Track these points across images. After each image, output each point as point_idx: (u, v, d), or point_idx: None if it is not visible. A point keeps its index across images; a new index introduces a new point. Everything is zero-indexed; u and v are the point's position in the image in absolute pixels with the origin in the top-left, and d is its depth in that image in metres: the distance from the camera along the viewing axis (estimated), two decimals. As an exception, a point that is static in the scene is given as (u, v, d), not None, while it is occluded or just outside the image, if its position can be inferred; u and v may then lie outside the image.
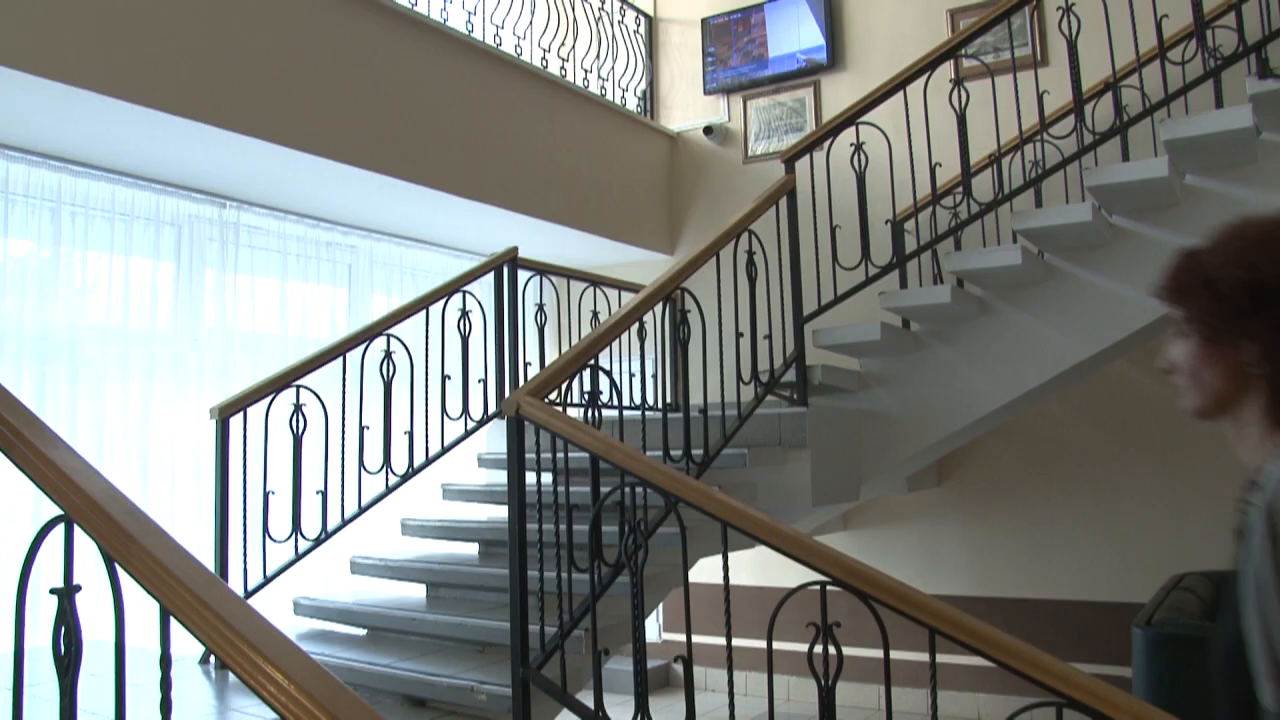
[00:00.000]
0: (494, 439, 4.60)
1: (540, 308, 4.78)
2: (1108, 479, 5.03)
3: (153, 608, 1.50)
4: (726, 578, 2.45)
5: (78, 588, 1.56)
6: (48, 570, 1.63)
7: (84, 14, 3.34)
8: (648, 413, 3.58)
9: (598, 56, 5.95)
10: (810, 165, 4.03)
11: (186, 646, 1.78)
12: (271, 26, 3.96)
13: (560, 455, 2.76)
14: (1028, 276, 3.78)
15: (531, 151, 5.22)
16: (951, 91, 3.82)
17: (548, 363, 5.00)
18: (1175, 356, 1.28)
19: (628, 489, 2.62)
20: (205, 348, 4.61)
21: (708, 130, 6.21)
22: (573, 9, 5.66)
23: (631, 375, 4.70)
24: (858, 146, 3.93)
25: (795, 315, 3.96)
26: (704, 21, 6.27)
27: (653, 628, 6.15)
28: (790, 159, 4.05)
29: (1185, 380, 1.27)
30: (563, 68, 5.55)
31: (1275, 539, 1.10)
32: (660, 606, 5.81)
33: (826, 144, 4.02)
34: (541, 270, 4.78)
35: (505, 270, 4.57)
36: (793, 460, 3.81)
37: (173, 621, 1.49)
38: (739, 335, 3.73)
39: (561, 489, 2.81)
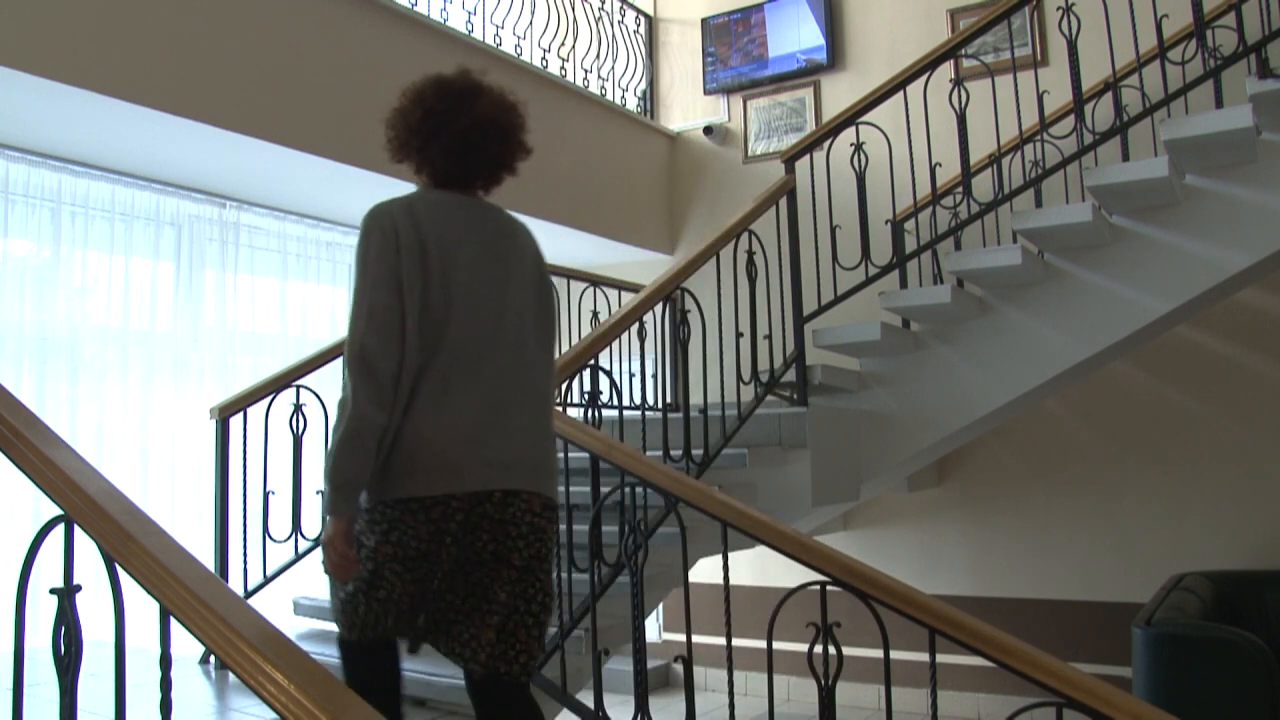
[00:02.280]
0: (494, 439, 4.59)
1: (540, 308, 4.77)
2: (1108, 479, 5.03)
3: (153, 608, 1.51)
4: (726, 578, 2.46)
5: (78, 588, 1.56)
6: (48, 570, 1.63)
7: (84, 14, 3.34)
8: (648, 413, 3.58)
9: (598, 56, 5.95)
10: (810, 165, 4.03)
11: (186, 646, 1.78)
12: (271, 26, 3.96)
13: (560, 455, 2.76)
14: (1028, 276, 3.78)
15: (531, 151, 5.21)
16: (951, 91, 3.82)
17: (548, 363, 4.99)
18: None
19: (628, 489, 2.62)
20: (205, 348, 4.61)
21: (708, 130, 6.21)
22: (573, 9, 5.66)
23: (631, 375, 4.70)
24: (858, 146, 3.93)
25: (795, 315, 3.96)
26: (704, 21, 6.27)
27: (653, 628, 6.15)
28: (790, 159, 4.05)
29: None
30: (563, 68, 5.55)
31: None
32: (660, 606, 5.81)
33: (826, 144, 4.02)
34: (541, 270, 4.78)
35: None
36: (793, 460, 3.81)
37: (173, 621, 1.49)
38: (739, 335, 3.73)
39: (561, 489, 2.81)
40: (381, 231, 1.91)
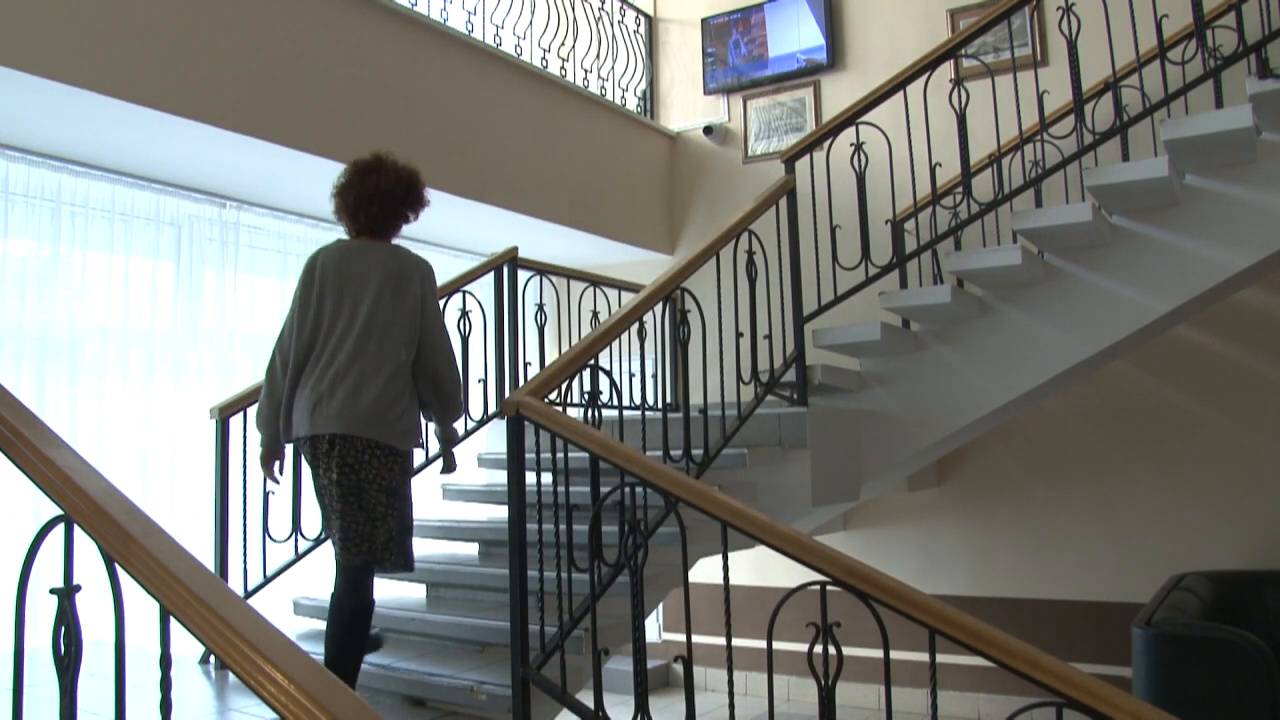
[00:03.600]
0: (494, 439, 4.60)
1: (540, 308, 4.78)
2: (1108, 479, 5.03)
3: (153, 608, 1.51)
4: (726, 578, 2.45)
5: (78, 588, 1.56)
6: (48, 570, 1.63)
7: (83, 14, 3.34)
8: (648, 413, 3.58)
9: (598, 56, 5.95)
10: (810, 165, 4.03)
11: (186, 646, 1.78)
12: (271, 26, 3.96)
13: (560, 455, 2.76)
14: (1028, 276, 3.78)
15: (531, 151, 5.22)
16: (951, 91, 3.82)
17: (548, 363, 4.99)
18: None
19: (628, 489, 2.62)
20: (205, 347, 4.61)
21: (708, 130, 6.21)
22: (573, 9, 5.66)
23: (631, 375, 4.70)
24: (858, 146, 3.93)
25: (795, 315, 3.96)
26: (704, 21, 6.27)
27: (653, 628, 6.15)
28: (790, 159, 4.05)
29: None
30: (563, 68, 5.55)
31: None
32: (660, 606, 5.81)
33: (826, 144, 4.02)
34: (541, 270, 4.78)
35: (505, 270, 4.57)
36: (793, 460, 3.81)
37: (173, 621, 1.49)
38: (739, 335, 3.73)
39: (561, 489, 2.81)
40: (302, 273, 3.01)
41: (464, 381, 3.28)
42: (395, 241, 3.08)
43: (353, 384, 2.77)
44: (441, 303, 4.30)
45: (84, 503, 1.55)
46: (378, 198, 2.95)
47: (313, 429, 2.78)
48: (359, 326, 2.83)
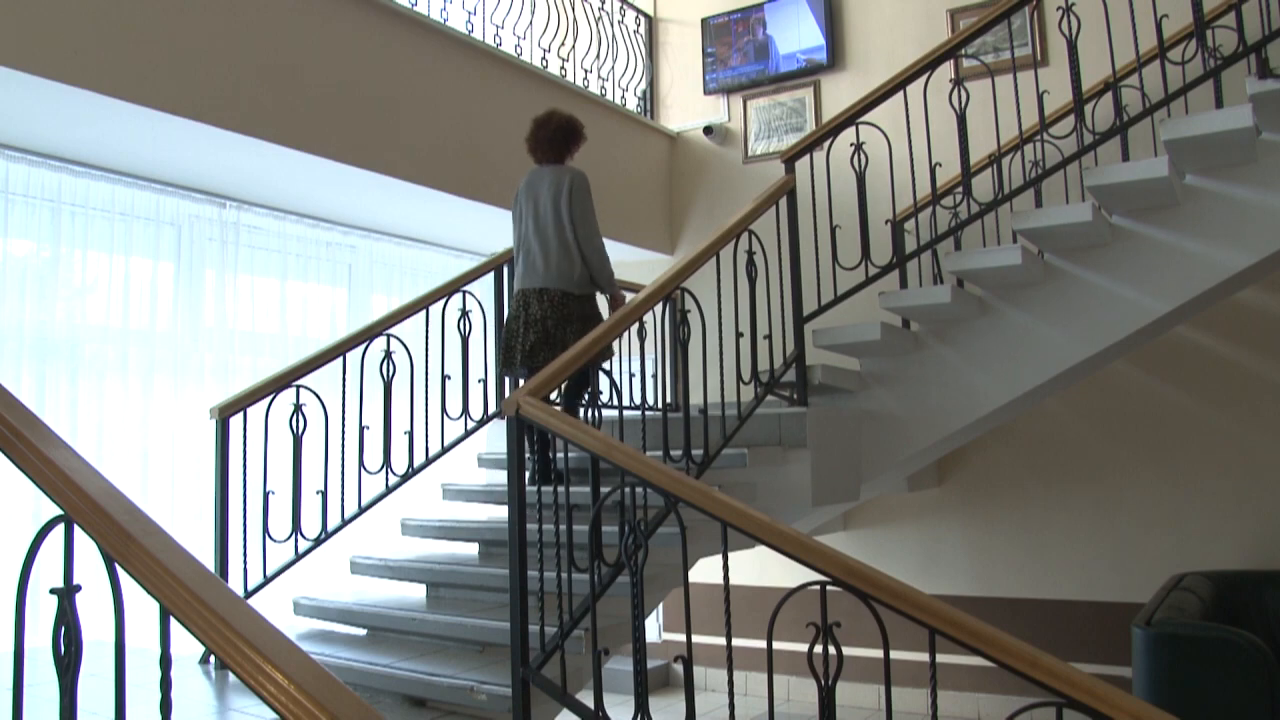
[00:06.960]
0: (494, 439, 4.60)
1: (540, 308, 4.77)
2: (1108, 479, 5.03)
3: (153, 608, 1.51)
4: (726, 578, 2.46)
5: (78, 588, 1.56)
6: (48, 570, 1.63)
7: (84, 14, 3.34)
8: (648, 413, 3.58)
9: (598, 56, 5.95)
10: (810, 165, 4.03)
11: (186, 646, 1.78)
12: (271, 27, 3.96)
13: (560, 455, 2.76)
14: (1028, 276, 3.78)
15: (531, 151, 5.21)
16: (951, 91, 3.82)
17: (548, 363, 4.98)
18: None
19: (628, 489, 2.62)
20: (205, 348, 4.61)
21: (708, 130, 6.21)
22: (573, 9, 5.66)
23: (631, 375, 4.70)
24: (858, 146, 3.93)
25: (795, 315, 3.96)
26: (704, 21, 6.28)
27: (653, 628, 6.15)
28: (790, 159, 4.05)
29: None
30: (563, 68, 5.55)
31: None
32: (660, 606, 5.81)
33: (826, 144, 4.02)
34: (541, 270, 4.77)
35: (505, 270, 4.57)
36: (793, 460, 3.81)
37: (173, 621, 1.49)
38: (739, 335, 3.73)
39: (561, 489, 2.81)
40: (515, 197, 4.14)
41: (606, 256, 4.04)
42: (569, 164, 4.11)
43: (540, 255, 3.94)
44: (441, 303, 4.34)
45: (84, 503, 1.55)
46: (546, 140, 4.07)
47: (521, 285, 3.98)
48: (540, 219, 3.97)
